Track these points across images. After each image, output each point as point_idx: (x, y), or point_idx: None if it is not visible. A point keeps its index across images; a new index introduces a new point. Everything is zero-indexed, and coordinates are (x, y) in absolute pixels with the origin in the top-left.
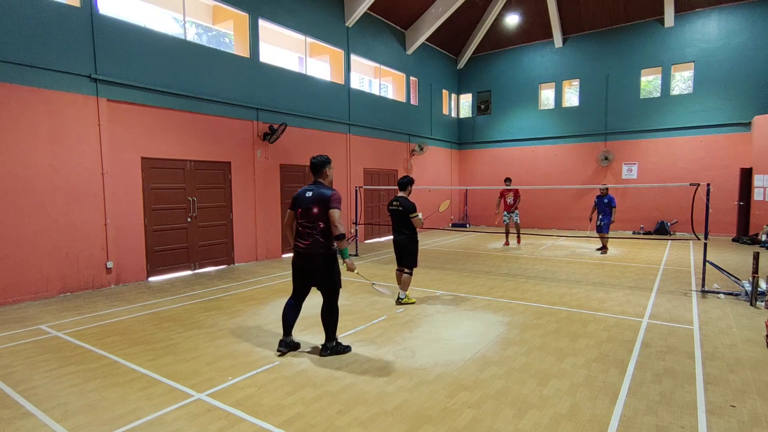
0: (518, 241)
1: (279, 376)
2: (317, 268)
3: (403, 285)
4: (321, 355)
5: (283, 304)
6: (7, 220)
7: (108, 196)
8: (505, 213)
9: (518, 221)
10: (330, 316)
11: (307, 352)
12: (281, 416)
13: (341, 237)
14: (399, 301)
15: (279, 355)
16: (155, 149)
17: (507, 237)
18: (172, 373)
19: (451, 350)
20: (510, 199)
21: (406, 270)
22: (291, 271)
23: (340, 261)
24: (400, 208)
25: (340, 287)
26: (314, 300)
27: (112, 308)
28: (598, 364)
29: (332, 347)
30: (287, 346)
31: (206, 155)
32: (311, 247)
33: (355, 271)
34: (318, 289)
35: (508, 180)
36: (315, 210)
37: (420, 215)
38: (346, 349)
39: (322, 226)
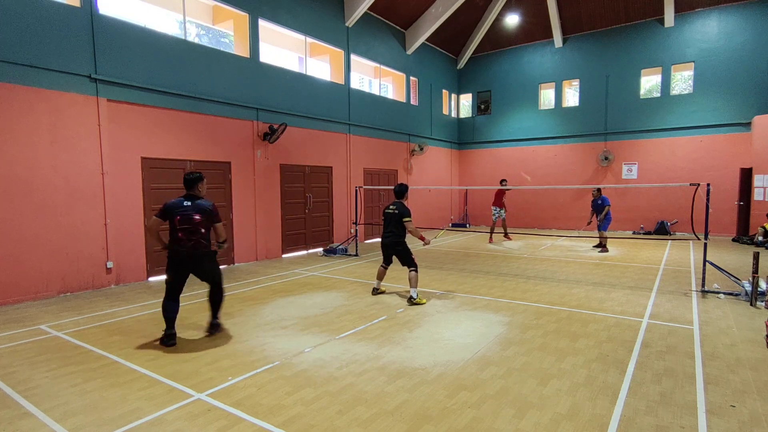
0: (509, 237)
1: (279, 376)
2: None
3: (412, 282)
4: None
5: (283, 303)
6: (8, 220)
7: (108, 196)
8: (496, 209)
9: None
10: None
11: (307, 351)
12: (281, 416)
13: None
14: (411, 301)
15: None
16: (155, 149)
17: (492, 235)
18: (172, 373)
19: (451, 350)
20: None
21: (410, 269)
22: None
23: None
24: (396, 211)
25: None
26: (313, 300)
27: (112, 308)
28: (598, 364)
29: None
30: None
31: (206, 155)
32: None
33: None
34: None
35: (503, 181)
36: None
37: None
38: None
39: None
